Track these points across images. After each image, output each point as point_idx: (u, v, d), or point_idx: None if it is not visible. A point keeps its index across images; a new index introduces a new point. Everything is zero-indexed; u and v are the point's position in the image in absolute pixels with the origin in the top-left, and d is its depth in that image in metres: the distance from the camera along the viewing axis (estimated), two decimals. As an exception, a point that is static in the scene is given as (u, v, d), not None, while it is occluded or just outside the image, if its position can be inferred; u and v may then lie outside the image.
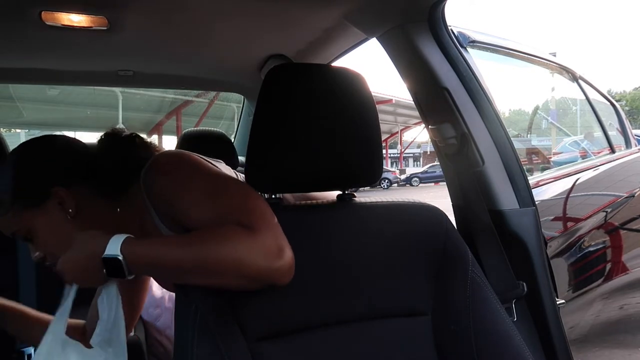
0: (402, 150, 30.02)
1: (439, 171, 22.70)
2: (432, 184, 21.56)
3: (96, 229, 0.80)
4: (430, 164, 25.44)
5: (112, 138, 0.93)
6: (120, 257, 0.70)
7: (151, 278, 1.12)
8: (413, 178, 23.02)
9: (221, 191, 0.74)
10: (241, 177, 0.92)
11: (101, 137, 0.93)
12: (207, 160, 0.84)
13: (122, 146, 0.91)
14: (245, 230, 0.66)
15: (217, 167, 0.84)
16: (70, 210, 0.85)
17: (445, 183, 1.17)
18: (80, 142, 0.93)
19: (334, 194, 0.91)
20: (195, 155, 0.82)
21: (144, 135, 0.99)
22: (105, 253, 0.71)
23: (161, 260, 0.70)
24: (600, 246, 1.59)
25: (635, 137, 2.43)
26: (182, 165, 0.79)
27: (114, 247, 0.71)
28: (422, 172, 24.16)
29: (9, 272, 1.78)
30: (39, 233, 0.86)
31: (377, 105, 0.86)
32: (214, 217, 0.70)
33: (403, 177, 23.47)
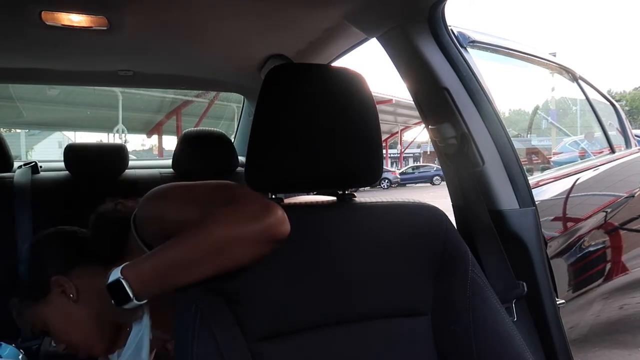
0: (402, 150, 30.02)
1: (417, 173, 22.33)
2: (429, 184, 21.35)
3: (102, 302, 0.82)
4: (407, 166, 25.00)
5: (101, 218, 0.96)
6: (121, 278, 0.71)
7: None
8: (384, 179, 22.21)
9: (205, 192, 0.77)
10: None
11: (91, 218, 0.97)
12: None
13: (111, 224, 0.92)
14: (231, 205, 0.69)
15: None
16: (71, 295, 0.89)
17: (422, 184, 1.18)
18: (71, 230, 0.98)
19: (313, 198, 0.91)
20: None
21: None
22: (108, 281, 0.73)
23: (166, 263, 0.71)
24: (600, 246, 1.59)
25: (635, 137, 2.43)
26: (164, 190, 0.81)
27: (115, 273, 0.73)
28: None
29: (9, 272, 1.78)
30: (52, 323, 0.91)
31: (377, 105, 0.86)
32: (203, 211, 0.72)
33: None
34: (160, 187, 0.81)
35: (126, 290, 0.71)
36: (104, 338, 0.92)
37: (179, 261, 0.70)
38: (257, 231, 0.67)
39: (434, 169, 23.81)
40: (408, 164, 32.16)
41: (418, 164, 28.90)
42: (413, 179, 22.04)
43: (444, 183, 1.18)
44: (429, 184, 21.39)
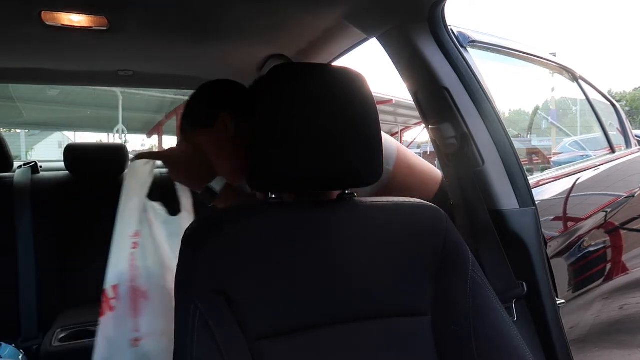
0: (402, 150, 29.96)
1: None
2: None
3: (236, 159, 1.08)
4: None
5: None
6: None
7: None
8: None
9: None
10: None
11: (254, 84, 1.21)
12: None
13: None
14: None
15: None
16: (232, 130, 1.09)
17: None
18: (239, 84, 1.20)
19: None
20: None
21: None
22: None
23: None
24: (600, 246, 1.59)
25: (635, 137, 2.44)
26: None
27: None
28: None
29: (9, 272, 1.78)
30: (206, 147, 1.11)
31: (377, 105, 0.86)
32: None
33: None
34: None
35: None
36: (227, 175, 1.11)
37: None
38: None
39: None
40: (408, 164, 32.09)
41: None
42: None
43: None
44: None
